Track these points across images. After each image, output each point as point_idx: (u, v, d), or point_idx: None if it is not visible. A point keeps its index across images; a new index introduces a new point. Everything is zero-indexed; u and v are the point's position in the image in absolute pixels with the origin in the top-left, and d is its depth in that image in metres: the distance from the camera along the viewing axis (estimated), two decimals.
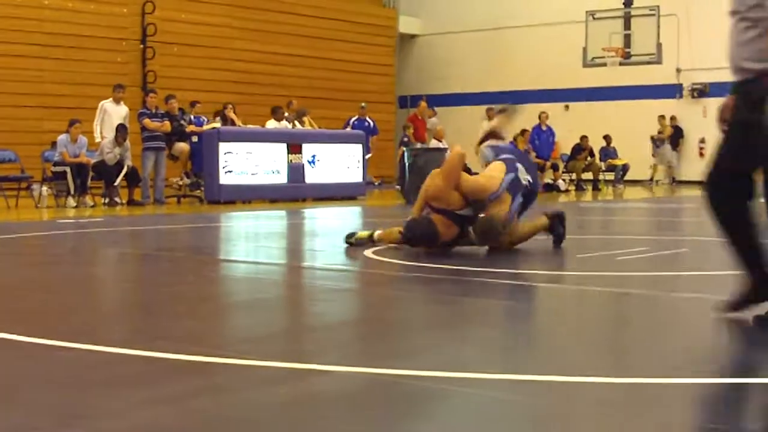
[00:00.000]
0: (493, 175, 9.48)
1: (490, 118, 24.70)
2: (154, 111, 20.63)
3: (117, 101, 20.47)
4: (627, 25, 31.32)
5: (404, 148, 22.17)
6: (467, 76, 36.02)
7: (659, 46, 30.13)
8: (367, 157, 23.49)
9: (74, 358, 4.75)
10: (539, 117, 28.50)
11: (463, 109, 34.08)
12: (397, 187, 22.89)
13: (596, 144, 29.73)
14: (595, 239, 10.94)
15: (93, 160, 19.31)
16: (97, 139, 19.90)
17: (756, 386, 4.16)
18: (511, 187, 9.40)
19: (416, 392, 4.07)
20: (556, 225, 9.72)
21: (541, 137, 28.02)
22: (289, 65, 30.36)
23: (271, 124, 22.62)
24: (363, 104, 27.56)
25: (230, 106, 22.38)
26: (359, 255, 9.59)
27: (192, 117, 21.87)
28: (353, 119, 27.00)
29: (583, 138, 29.24)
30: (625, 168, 29.83)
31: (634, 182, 31.22)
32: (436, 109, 31.43)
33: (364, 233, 10.07)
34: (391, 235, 9.77)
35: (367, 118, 27.25)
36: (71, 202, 18.83)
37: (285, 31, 30.50)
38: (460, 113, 33.89)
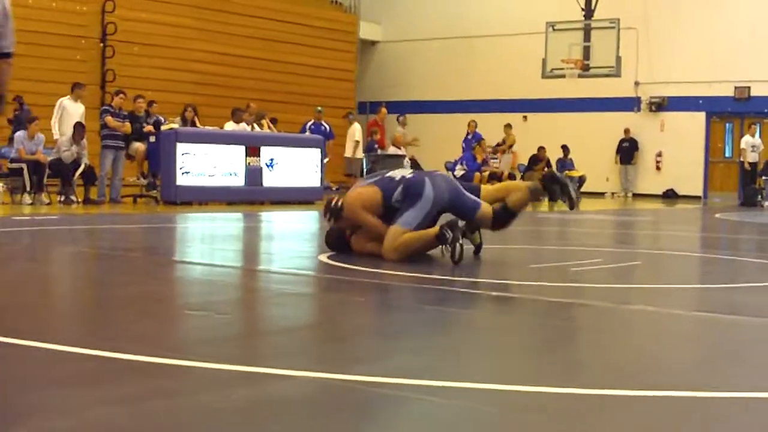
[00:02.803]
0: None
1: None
2: (117, 111, 20.56)
3: (76, 99, 20.39)
4: (587, 38, 31.50)
5: (364, 154, 22.20)
6: (427, 84, 36.14)
7: (618, 59, 30.35)
8: (324, 161, 23.48)
9: (26, 356, 4.73)
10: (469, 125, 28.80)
11: (423, 116, 34.20)
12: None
13: (553, 155, 29.89)
14: (550, 250, 10.99)
15: (49, 158, 19.21)
16: (55, 136, 19.81)
17: (703, 400, 4.20)
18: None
19: (372, 398, 4.08)
20: (447, 233, 9.02)
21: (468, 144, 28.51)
22: (249, 68, 30.33)
23: (230, 126, 22.57)
24: (319, 108, 27.49)
25: (190, 108, 22.19)
26: (315, 259, 9.61)
27: (158, 117, 21.72)
28: (309, 123, 26.93)
29: (540, 149, 29.39)
30: (581, 180, 29.97)
31: (591, 194, 31.38)
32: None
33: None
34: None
35: (323, 123, 27.18)
36: (27, 199, 18.72)
37: (246, 34, 30.45)
38: (419, 121, 33.99)
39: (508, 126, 30.62)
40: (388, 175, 9.79)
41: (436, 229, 9.12)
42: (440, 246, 9.07)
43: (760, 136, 29.66)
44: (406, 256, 9.18)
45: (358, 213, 9.62)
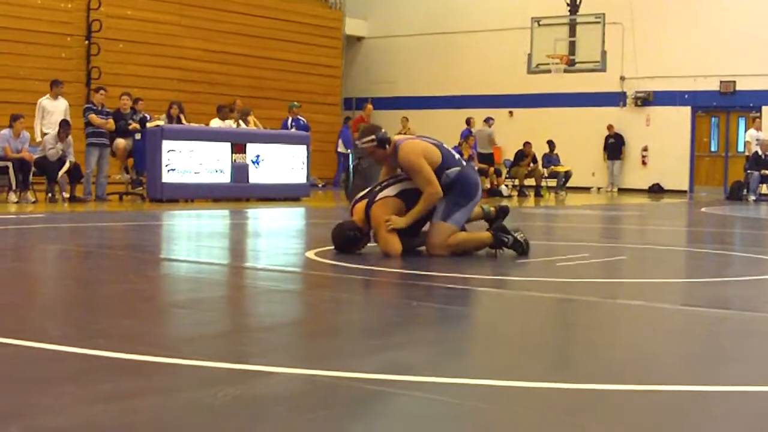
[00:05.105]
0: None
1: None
2: (100, 108, 20.50)
3: (55, 97, 20.35)
4: (572, 33, 31.51)
5: (349, 150, 22.16)
6: (413, 79, 36.11)
7: (604, 53, 30.38)
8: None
9: (11, 354, 4.71)
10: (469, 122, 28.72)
11: (409, 112, 34.18)
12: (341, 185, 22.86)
13: (539, 151, 29.89)
14: (536, 245, 10.98)
15: (35, 156, 19.17)
16: (38, 139, 19.80)
17: (691, 394, 4.21)
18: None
19: (358, 394, 4.07)
20: (506, 239, 9.46)
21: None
22: (234, 64, 30.27)
23: (216, 123, 22.53)
24: (295, 103, 27.27)
25: (175, 105, 22.07)
26: (302, 256, 9.60)
27: (144, 114, 21.60)
28: (290, 120, 26.67)
29: (526, 144, 29.37)
30: (567, 175, 30.00)
31: (577, 189, 31.41)
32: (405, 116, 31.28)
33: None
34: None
35: (300, 117, 26.99)
36: (12, 197, 18.67)
37: (231, 30, 30.40)
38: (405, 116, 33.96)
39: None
40: (445, 146, 9.81)
41: (488, 234, 9.47)
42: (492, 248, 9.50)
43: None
44: (453, 254, 9.36)
45: (416, 159, 9.33)
